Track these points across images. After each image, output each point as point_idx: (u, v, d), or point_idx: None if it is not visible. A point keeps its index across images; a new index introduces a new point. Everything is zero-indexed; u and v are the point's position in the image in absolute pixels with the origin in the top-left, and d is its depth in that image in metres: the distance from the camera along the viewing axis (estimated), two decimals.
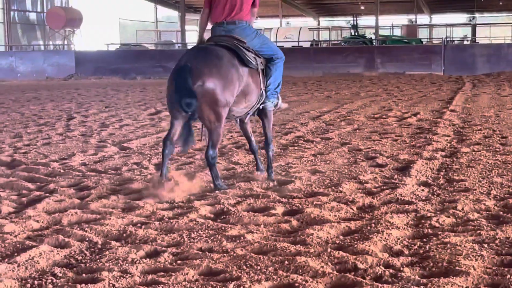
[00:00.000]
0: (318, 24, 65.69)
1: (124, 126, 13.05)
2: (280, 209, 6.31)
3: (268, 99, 7.38)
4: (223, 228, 5.69)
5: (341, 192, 6.92)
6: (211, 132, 6.93)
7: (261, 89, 7.28)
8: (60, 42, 45.90)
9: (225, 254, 4.99)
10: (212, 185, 7.17)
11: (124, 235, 5.54)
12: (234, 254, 4.97)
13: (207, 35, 7.54)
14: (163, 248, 5.16)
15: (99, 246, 5.25)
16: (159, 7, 62.74)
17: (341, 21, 63.84)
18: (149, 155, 9.45)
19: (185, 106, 6.53)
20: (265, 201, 6.61)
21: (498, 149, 9.31)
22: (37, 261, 4.87)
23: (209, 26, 7.57)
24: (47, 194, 7.04)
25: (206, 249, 5.16)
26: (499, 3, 60.70)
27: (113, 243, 5.32)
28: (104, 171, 8.40)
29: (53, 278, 4.56)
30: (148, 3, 60.91)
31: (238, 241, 5.31)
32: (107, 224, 5.82)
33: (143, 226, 5.78)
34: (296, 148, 9.81)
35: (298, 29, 52.30)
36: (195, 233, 5.55)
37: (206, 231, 5.61)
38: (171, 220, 5.92)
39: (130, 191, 7.19)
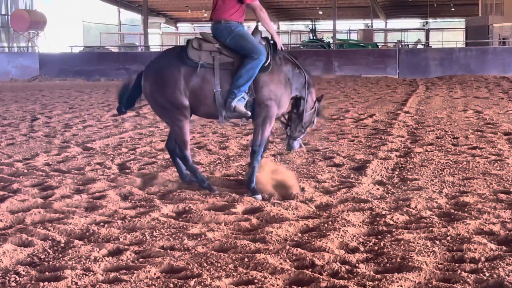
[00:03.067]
0: (278, 28, 65.79)
1: (87, 127, 13.03)
2: (240, 208, 6.43)
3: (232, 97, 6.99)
4: (184, 226, 5.78)
5: (299, 191, 7.06)
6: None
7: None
8: (24, 44, 45.31)
9: (186, 252, 5.08)
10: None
11: (87, 234, 5.60)
12: (195, 252, 5.06)
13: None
14: (126, 247, 5.24)
15: (62, 245, 5.30)
16: (122, 10, 62.28)
17: (300, 25, 64.06)
18: (112, 155, 9.48)
19: None
20: (225, 200, 6.72)
21: (449, 149, 9.53)
22: (0, 259, 4.92)
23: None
24: (11, 194, 7.06)
25: (168, 247, 5.25)
26: (451, 9, 61.54)
27: (76, 241, 5.37)
28: (68, 171, 8.42)
29: (16, 277, 4.61)
30: (112, 6, 60.43)
31: (199, 239, 5.40)
32: (70, 223, 5.87)
33: (105, 225, 5.84)
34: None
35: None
36: (157, 231, 5.64)
37: (168, 229, 5.70)
38: (134, 219, 5.99)
39: (93, 191, 7.24)
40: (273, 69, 7.05)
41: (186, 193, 7.02)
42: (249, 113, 7.02)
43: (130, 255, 5.05)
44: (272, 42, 7.19)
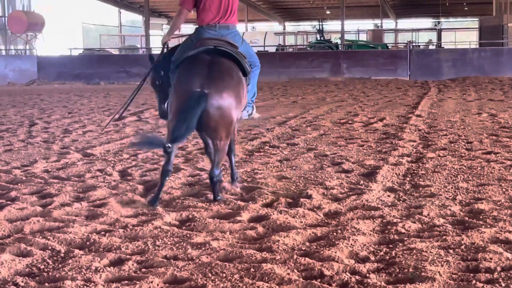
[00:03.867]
0: (284, 29, 65.87)
1: (87, 132, 12.91)
2: (246, 216, 6.28)
3: (244, 108, 7.09)
4: (188, 235, 5.64)
5: (307, 198, 6.90)
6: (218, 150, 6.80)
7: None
8: (22, 47, 45.52)
9: (190, 262, 4.94)
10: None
11: (88, 243, 5.47)
12: (200, 262, 4.92)
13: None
14: (127, 256, 5.10)
15: (62, 255, 5.17)
16: (123, 11, 62.49)
17: (306, 25, 64.13)
18: (113, 162, 9.35)
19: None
20: (230, 208, 6.57)
21: (463, 154, 9.36)
22: None
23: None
24: (9, 202, 6.92)
25: (171, 257, 5.11)
26: (464, 8, 61.45)
27: (76, 251, 5.24)
28: (67, 178, 8.28)
29: None
30: (112, 7, 60.62)
31: (203, 248, 5.26)
32: (70, 232, 5.73)
33: (107, 234, 5.71)
34: (262, 154, 9.78)
35: (264, 34, 52.39)
36: (160, 240, 5.50)
37: (171, 238, 5.56)
38: (136, 228, 5.86)
39: (94, 198, 7.10)
40: None
41: (190, 201, 6.88)
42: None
43: (132, 265, 4.92)
44: None
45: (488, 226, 5.72)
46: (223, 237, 5.59)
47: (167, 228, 5.87)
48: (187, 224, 6.06)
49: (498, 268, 4.67)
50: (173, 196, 7.16)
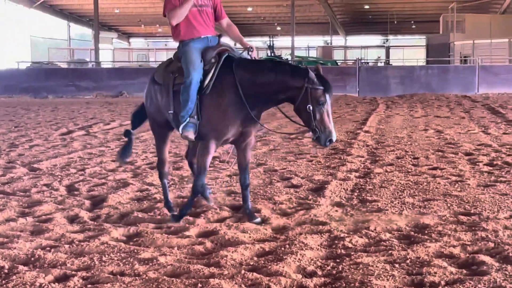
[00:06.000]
0: (235, 44, 65.93)
1: (34, 146, 12.70)
2: (194, 231, 6.25)
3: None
4: (135, 250, 5.59)
5: (256, 213, 6.89)
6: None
7: None
8: None
9: (137, 278, 4.89)
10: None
11: (32, 259, 5.38)
12: (146, 278, 4.88)
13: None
14: (73, 272, 5.03)
15: (6, 271, 5.08)
16: (72, 24, 61.95)
17: (258, 41, 64.30)
18: (60, 176, 9.22)
19: None
20: (179, 223, 6.53)
21: (410, 170, 9.47)
22: None
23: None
24: None
25: (118, 273, 5.05)
26: (411, 26, 62.43)
27: (21, 267, 5.15)
28: (13, 192, 8.14)
29: None
30: (61, 20, 60.05)
31: (150, 264, 5.22)
32: (15, 248, 5.63)
33: (52, 250, 5.62)
34: (211, 169, 9.74)
35: None
36: (107, 256, 5.43)
37: (118, 254, 5.50)
38: (82, 243, 5.78)
39: (40, 214, 6.99)
40: None
41: (138, 216, 6.81)
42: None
43: (78, 281, 4.85)
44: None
45: (433, 240, 5.78)
46: (171, 253, 5.55)
47: (114, 243, 5.80)
48: (135, 239, 6.00)
49: (442, 282, 4.73)
50: (121, 211, 7.08)
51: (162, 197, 7.64)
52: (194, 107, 6.42)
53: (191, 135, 6.44)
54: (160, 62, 7.26)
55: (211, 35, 6.86)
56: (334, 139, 6.47)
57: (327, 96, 6.26)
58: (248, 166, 6.89)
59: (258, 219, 6.63)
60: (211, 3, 6.92)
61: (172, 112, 6.61)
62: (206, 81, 6.47)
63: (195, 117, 6.44)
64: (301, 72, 6.26)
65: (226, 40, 7.01)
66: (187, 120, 6.40)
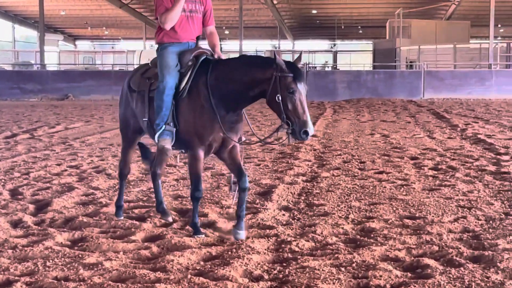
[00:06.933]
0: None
1: None
2: (140, 235, 6.18)
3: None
4: (80, 255, 5.51)
5: (203, 217, 6.86)
6: None
7: None
8: None
9: (81, 283, 4.83)
10: None
11: None
12: (91, 283, 4.82)
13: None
14: (16, 278, 4.94)
15: None
16: (17, 26, 61.08)
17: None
18: (3, 180, 9.04)
19: None
20: (124, 227, 6.46)
21: (356, 174, 9.54)
22: None
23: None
24: None
25: (62, 278, 4.98)
26: (358, 31, 63.07)
27: None
28: None
29: None
30: (5, 21, 59.16)
31: (95, 269, 5.15)
32: None
33: None
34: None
35: None
36: (51, 261, 5.35)
37: (62, 259, 5.42)
38: (25, 248, 5.68)
39: None
40: None
41: (83, 220, 6.72)
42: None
43: (21, 286, 4.77)
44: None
45: (379, 244, 5.84)
46: (117, 257, 5.48)
47: (59, 248, 5.72)
48: (80, 244, 5.92)
49: (388, 286, 4.77)
50: (66, 215, 6.97)
51: (108, 201, 7.58)
52: (170, 114, 6.18)
53: (168, 144, 6.17)
54: (136, 67, 7.01)
55: (192, 42, 6.66)
56: (310, 130, 5.76)
57: (298, 84, 5.85)
58: (242, 167, 6.60)
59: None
60: (202, 8, 6.69)
61: (146, 120, 6.38)
62: (182, 85, 6.25)
63: (171, 124, 6.18)
64: (268, 61, 5.97)
65: (204, 44, 6.86)
66: (163, 128, 6.15)
